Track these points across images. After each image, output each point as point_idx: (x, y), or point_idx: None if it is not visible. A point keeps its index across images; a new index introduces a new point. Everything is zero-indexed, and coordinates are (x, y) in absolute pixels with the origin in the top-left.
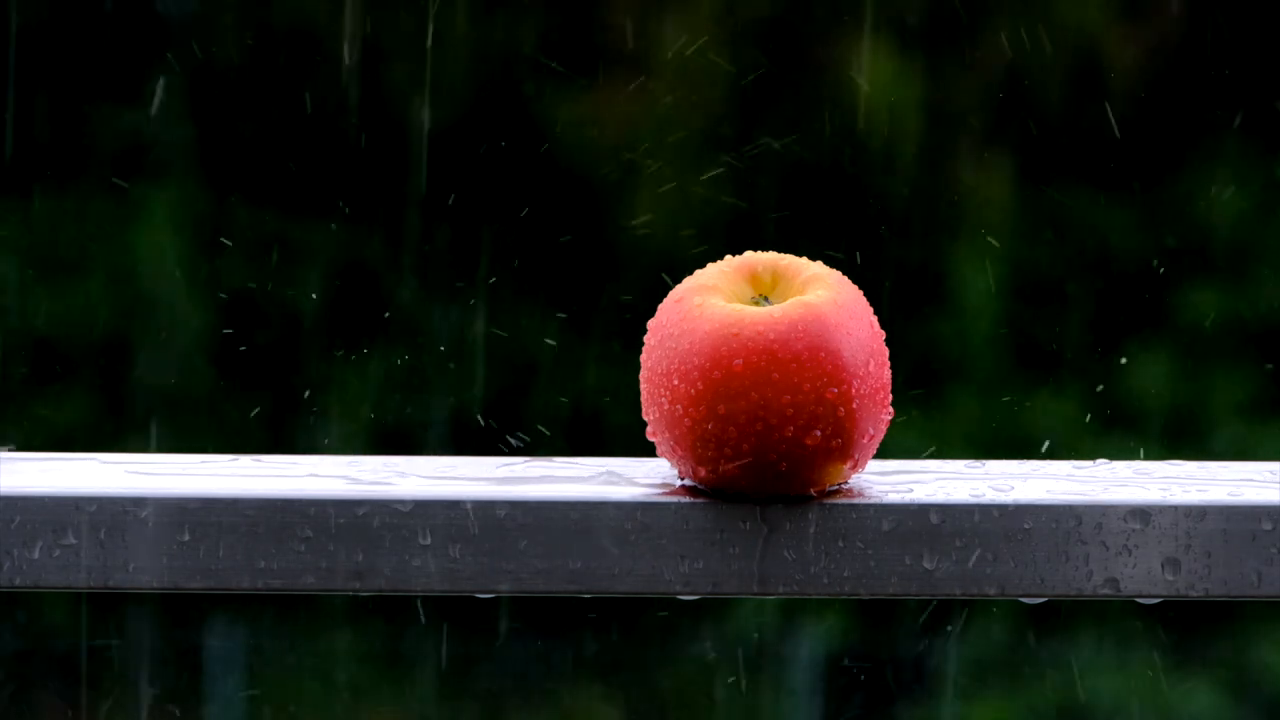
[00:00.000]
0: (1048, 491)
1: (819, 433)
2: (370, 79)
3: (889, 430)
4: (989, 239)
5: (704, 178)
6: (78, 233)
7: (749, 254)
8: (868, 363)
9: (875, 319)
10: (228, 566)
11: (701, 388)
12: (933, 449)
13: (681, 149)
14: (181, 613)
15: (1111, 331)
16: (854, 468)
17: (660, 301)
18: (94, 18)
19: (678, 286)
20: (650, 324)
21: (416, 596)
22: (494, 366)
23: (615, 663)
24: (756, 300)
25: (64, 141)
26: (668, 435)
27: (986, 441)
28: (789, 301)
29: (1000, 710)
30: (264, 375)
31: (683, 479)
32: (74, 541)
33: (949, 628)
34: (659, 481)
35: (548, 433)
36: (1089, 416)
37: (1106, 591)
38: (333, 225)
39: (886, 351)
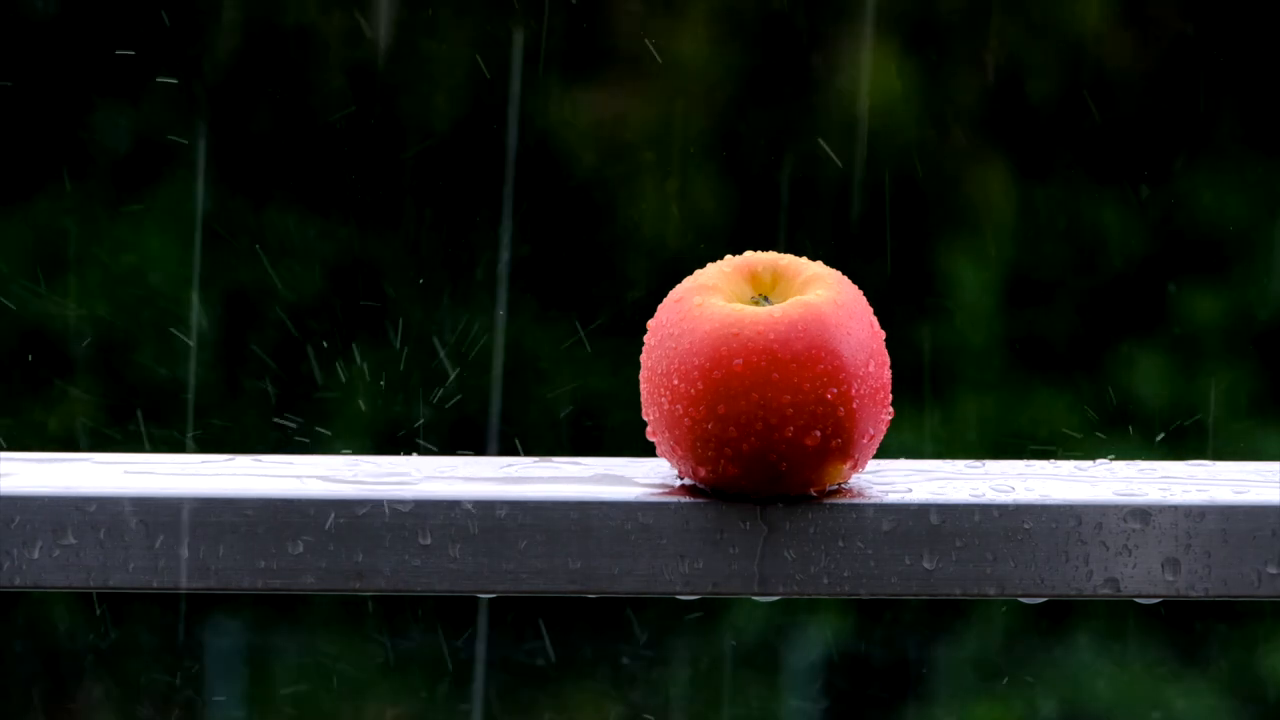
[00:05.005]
0: (1048, 491)
1: (819, 433)
2: (371, 77)
3: (889, 430)
4: (988, 238)
5: (704, 177)
6: (78, 231)
7: (749, 254)
8: (868, 363)
9: (875, 319)
10: (228, 566)
11: (701, 388)
12: (933, 449)
13: (681, 148)
14: (181, 613)
15: (1111, 331)
16: (854, 468)
17: (660, 301)
18: (95, 15)
19: (678, 286)
20: (650, 324)
21: (416, 596)
22: (494, 366)
23: (615, 663)
24: (756, 300)
25: (64, 139)
26: (668, 435)
27: (986, 441)
28: (789, 301)
29: (1000, 710)
30: (264, 375)
31: (683, 479)
32: (74, 541)
33: (949, 628)
34: (659, 481)
35: (548, 433)
36: (1089, 416)
37: (1106, 591)
38: (334, 225)
39: (886, 351)
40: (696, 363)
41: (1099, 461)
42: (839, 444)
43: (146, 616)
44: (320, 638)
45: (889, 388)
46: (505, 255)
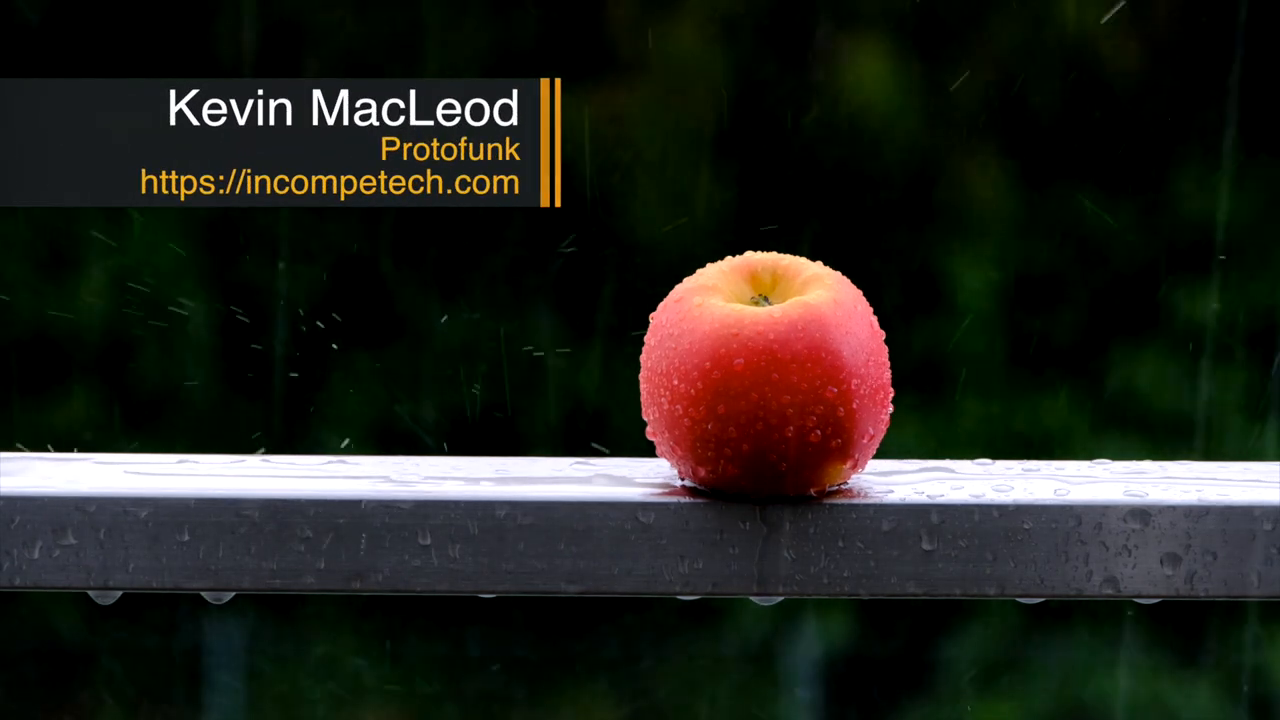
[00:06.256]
0: (1048, 491)
1: (819, 433)
2: (371, 76)
3: (890, 430)
4: (988, 239)
5: (703, 177)
6: (79, 231)
7: (749, 254)
8: (867, 363)
9: (875, 319)
10: (228, 566)
11: (701, 388)
12: (933, 449)
13: (680, 149)
14: (181, 613)
15: (1111, 331)
16: (854, 468)
17: (660, 301)
18: (96, 17)
19: (678, 286)
20: (650, 324)
21: (416, 596)
22: (495, 366)
23: (615, 663)
24: (756, 300)
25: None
26: (668, 435)
27: (986, 441)
28: (789, 301)
29: (1001, 710)
30: (265, 375)
31: (683, 479)
32: (74, 541)
33: (949, 628)
34: (659, 481)
35: (548, 433)
36: (1088, 417)
37: (1107, 591)
38: (336, 225)
39: (886, 351)
40: (696, 363)
41: (1099, 461)
42: (839, 444)
43: (147, 616)
44: (320, 638)
45: (889, 388)
46: (505, 254)
